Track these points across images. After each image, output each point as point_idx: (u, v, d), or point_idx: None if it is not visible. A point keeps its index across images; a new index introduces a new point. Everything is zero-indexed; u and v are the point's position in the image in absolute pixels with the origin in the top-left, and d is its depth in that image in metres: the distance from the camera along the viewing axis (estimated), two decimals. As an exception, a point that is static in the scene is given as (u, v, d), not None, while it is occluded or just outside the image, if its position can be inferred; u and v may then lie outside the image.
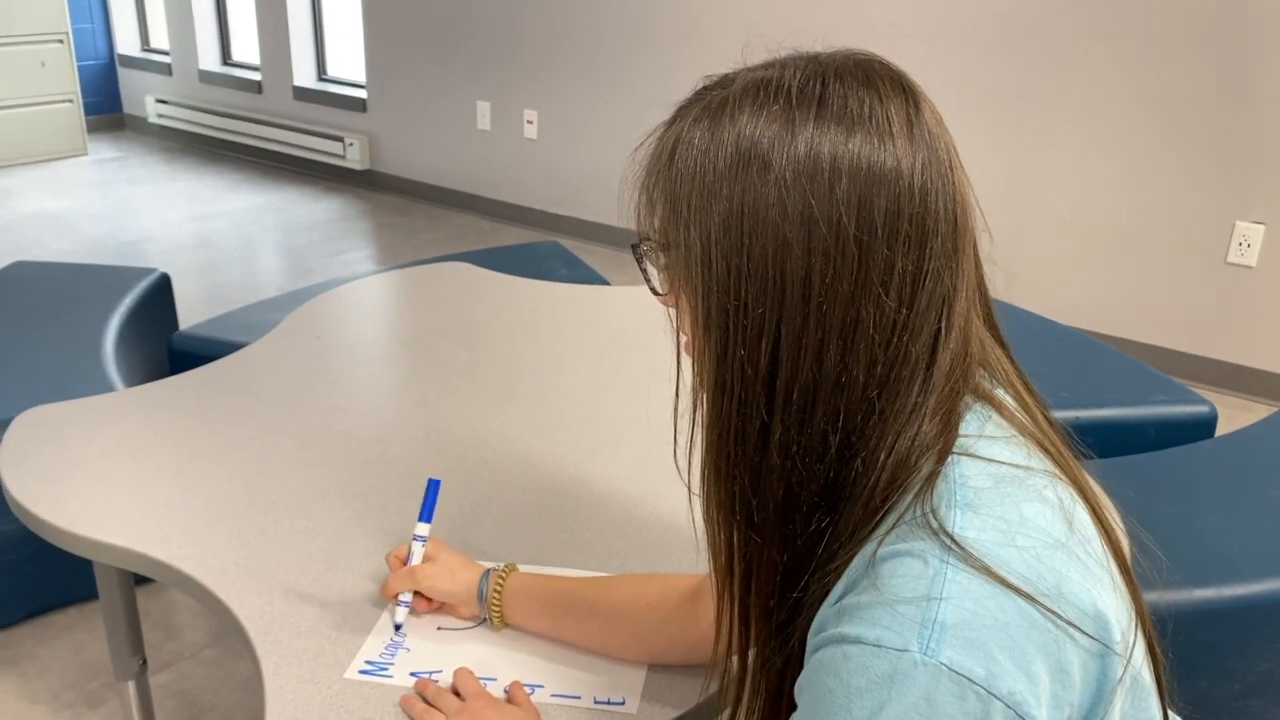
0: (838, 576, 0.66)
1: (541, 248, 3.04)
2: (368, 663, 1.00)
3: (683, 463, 0.74)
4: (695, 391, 0.71)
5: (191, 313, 3.46)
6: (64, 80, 5.77)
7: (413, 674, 0.99)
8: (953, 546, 0.60)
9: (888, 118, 0.64)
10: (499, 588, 1.04)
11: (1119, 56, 3.25)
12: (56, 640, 2.05)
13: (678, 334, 0.72)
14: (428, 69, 4.97)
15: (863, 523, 0.66)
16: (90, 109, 6.23)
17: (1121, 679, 0.64)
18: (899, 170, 0.64)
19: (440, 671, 0.99)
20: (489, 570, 1.06)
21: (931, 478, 0.65)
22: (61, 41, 5.72)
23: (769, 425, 0.66)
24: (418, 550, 1.08)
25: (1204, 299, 3.31)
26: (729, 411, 0.67)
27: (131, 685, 1.55)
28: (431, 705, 0.94)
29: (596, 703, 0.96)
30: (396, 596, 1.06)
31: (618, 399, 1.55)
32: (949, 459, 0.66)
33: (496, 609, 1.04)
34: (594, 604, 1.02)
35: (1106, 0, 3.21)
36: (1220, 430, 2.17)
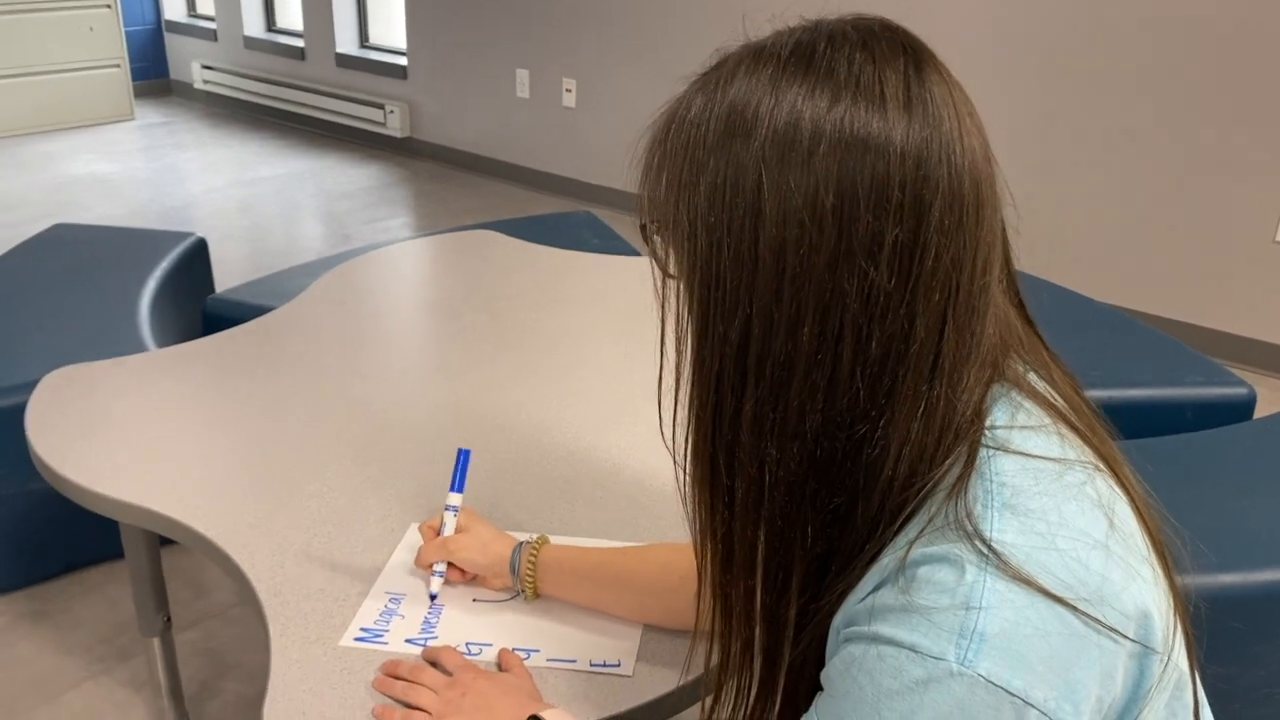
0: (864, 570, 0.64)
1: (574, 217, 3.04)
2: (363, 629, 1.00)
3: (670, 440, 0.73)
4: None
5: (232, 277, 3.50)
6: (111, 45, 5.83)
7: (408, 640, 0.99)
8: (990, 554, 0.58)
9: (880, 80, 0.61)
10: (532, 560, 1.04)
11: (1169, 39, 3.16)
12: (90, 595, 2.10)
13: (663, 310, 0.70)
14: (468, 36, 4.96)
15: (884, 517, 0.64)
16: (137, 74, 6.29)
17: (1162, 677, 0.62)
18: (889, 136, 0.60)
19: (436, 637, 0.99)
20: (521, 543, 1.06)
21: (965, 474, 0.62)
22: (109, 7, 5.77)
23: (742, 401, 0.64)
24: (450, 521, 1.07)
25: (1248, 278, 3.23)
26: (707, 388, 0.66)
27: (156, 642, 1.59)
28: (412, 682, 0.92)
29: (592, 666, 0.96)
30: (431, 566, 1.06)
31: (640, 370, 1.54)
32: (983, 453, 0.63)
33: (530, 581, 1.03)
34: (629, 577, 1.02)
35: (1158, -30, 3.13)
36: (1259, 413, 2.13)
